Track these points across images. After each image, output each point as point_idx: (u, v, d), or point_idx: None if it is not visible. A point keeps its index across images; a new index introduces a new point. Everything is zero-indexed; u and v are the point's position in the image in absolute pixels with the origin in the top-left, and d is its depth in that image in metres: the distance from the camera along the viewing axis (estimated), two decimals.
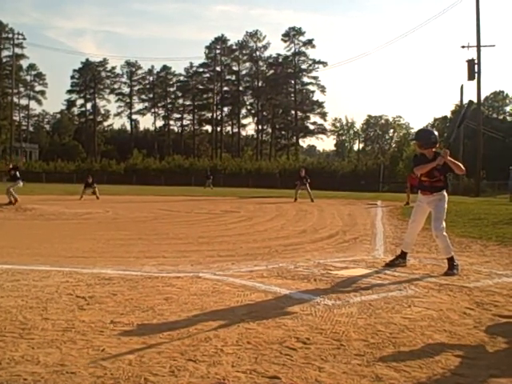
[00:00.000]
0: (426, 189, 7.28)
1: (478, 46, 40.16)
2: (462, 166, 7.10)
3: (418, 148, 7.39)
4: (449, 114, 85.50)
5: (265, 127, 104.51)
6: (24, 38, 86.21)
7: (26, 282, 6.04)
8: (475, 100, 39.17)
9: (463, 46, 41.90)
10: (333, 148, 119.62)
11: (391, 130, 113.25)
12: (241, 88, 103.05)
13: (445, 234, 7.08)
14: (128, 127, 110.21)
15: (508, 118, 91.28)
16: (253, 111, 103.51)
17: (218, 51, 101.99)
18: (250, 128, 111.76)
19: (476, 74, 39.86)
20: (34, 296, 5.36)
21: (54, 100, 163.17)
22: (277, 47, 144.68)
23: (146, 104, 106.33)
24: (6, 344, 3.85)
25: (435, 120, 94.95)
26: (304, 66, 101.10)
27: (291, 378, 3.29)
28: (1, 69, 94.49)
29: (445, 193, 7.26)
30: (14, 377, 3.25)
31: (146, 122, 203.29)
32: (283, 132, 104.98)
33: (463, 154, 49.33)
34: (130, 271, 6.90)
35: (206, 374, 3.35)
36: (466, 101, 59.74)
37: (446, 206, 7.22)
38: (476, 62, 39.74)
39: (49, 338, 4.02)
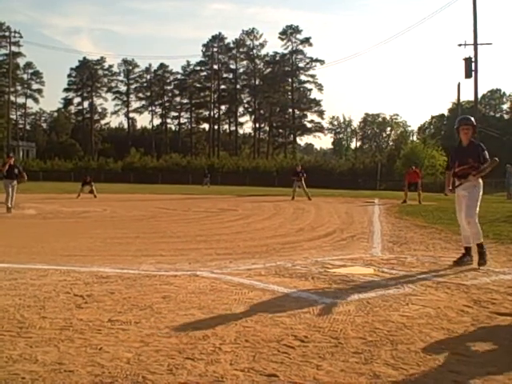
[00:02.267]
0: (459, 177, 7.51)
1: (475, 44, 40.20)
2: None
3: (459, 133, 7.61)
4: (446, 112, 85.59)
5: (262, 125, 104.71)
6: (21, 37, 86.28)
7: (23, 281, 6.03)
8: (472, 97, 39.18)
9: (460, 44, 42.04)
10: (330, 146, 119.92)
11: (388, 128, 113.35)
12: (238, 86, 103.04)
13: (477, 221, 7.25)
14: (125, 125, 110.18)
15: (505, 116, 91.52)
16: (250, 109, 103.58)
17: (215, 49, 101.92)
18: (247, 126, 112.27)
19: (473, 72, 39.90)
20: (32, 295, 5.36)
21: (51, 98, 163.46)
22: (274, 45, 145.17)
23: (144, 102, 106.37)
24: (3, 343, 3.85)
25: (432, 118, 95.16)
26: (301, 64, 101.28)
27: (289, 376, 3.29)
28: None
29: (480, 180, 7.38)
30: (12, 375, 3.24)
31: (144, 121, 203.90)
32: (280, 130, 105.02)
33: None
34: (128, 270, 6.90)
35: (204, 372, 3.35)
36: (462, 99, 59.93)
37: (480, 193, 7.34)
38: (473, 60, 39.77)
39: (46, 336, 4.02)
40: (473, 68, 39.80)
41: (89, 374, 3.30)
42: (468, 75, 40.09)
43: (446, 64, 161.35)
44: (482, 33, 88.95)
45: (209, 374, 3.33)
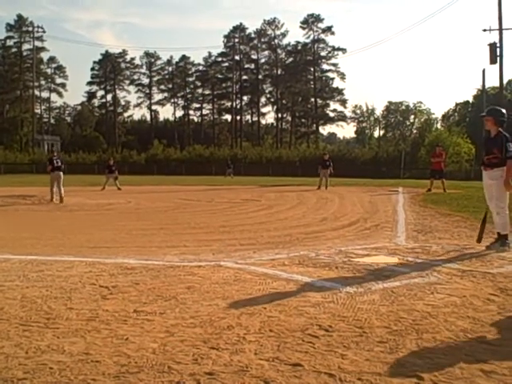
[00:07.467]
0: (485, 165, 7.73)
1: (500, 30, 39.59)
2: None
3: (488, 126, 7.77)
4: (471, 99, 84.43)
5: (284, 115, 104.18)
6: (44, 31, 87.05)
7: (50, 273, 6.12)
8: (497, 83, 38.64)
9: (485, 30, 41.34)
10: (353, 135, 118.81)
11: (412, 116, 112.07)
12: (260, 76, 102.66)
13: (507, 212, 7.50)
14: (148, 118, 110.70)
15: None
16: (272, 99, 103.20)
17: (236, 40, 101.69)
18: (269, 116, 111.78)
19: (498, 58, 39.31)
20: (58, 286, 5.43)
21: (74, 92, 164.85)
22: (295, 35, 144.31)
23: (166, 94, 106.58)
24: (31, 333, 3.91)
25: (457, 105, 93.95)
26: (323, 53, 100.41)
27: (314, 366, 3.29)
28: (22, 62, 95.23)
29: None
30: (40, 366, 3.30)
31: (166, 113, 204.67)
32: (303, 120, 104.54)
33: None
34: (152, 261, 6.95)
35: (228, 361, 3.37)
36: (488, 85, 59.09)
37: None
38: (498, 45, 39.17)
39: (73, 327, 4.07)
40: (498, 53, 39.21)
41: (115, 363, 3.33)
42: (493, 61, 39.50)
43: (471, 50, 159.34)
44: (507, 18, 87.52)
45: (234, 363, 3.34)
